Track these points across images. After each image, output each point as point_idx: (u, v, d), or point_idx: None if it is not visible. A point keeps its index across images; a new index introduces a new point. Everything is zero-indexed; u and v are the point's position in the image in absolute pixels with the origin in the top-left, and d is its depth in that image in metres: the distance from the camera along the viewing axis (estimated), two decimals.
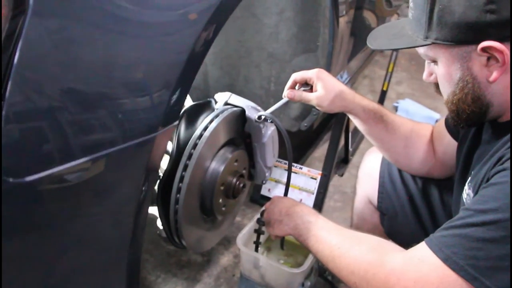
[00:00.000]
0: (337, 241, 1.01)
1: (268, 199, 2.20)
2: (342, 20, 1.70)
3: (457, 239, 0.82)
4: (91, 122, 0.68)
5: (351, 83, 2.60)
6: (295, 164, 2.19)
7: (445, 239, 0.84)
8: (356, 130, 2.85)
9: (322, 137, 2.88)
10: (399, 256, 0.90)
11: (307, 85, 1.29)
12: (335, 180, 2.49)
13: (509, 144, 0.86)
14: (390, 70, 3.10)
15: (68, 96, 0.65)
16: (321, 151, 2.77)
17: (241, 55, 1.78)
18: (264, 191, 2.25)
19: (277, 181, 2.24)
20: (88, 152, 0.70)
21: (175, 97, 0.77)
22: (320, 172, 2.18)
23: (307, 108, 1.85)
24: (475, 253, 0.80)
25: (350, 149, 2.65)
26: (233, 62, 1.81)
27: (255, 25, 1.68)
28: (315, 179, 2.19)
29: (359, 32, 2.18)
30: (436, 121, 3.24)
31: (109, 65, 0.70)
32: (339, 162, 2.62)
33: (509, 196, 0.78)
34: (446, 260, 0.82)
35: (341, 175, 2.57)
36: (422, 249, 0.87)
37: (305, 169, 2.17)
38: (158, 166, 0.88)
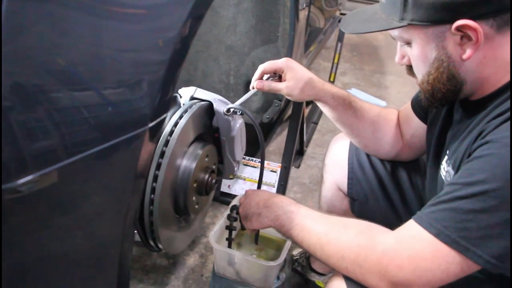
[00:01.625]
0: (323, 228, 1.00)
1: (228, 195, 2.20)
2: (302, 12, 1.70)
3: (447, 213, 0.84)
4: (76, 117, 0.62)
5: None
6: (253, 159, 2.18)
7: (435, 214, 0.85)
8: (308, 121, 2.91)
9: (275, 130, 2.89)
10: (390, 236, 0.90)
11: (275, 75, 1.27)
12: (292, 172, 2.49)
13: (488, 119, 0.89)
14: (335, 61, 3.16)
15: (53, 90, 0.59)
16: (275, 144, 2.77)
17: (199, 49, 1.74)
18: (224, 188, 2.22)
19: (237, 177, 2.21)
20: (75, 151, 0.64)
21: (164, 85, 0.72)
22: (280, 164, 2.18)
23: (269, 100, 1.84)
24: (465, 225, 0.81)
25: (304, 140, 2.68)
26: (191, 57, 1.76)
27: (212, 17, 1.65)
28: (275, 172, 2.19)
29: (312, 26, 2.20)
30: None
31: (95, 54, 0.65)
32: (295, 153, 2.63)
33: (495, 167, 0.80)
34: (438, 235, 0.83)
35: (298, 167, 2.59)
36: (412, 227, 0.88)
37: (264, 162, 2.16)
38: (147, 171, 0.82)
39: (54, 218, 0.71)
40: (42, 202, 0.67)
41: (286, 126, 2.24)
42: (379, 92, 3.65)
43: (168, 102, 0.77)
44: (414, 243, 0.86)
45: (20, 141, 0.59)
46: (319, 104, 1.33)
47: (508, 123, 0.83)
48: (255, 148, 2.60)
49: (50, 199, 0.68)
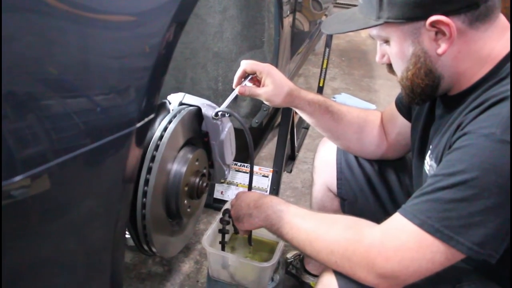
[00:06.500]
0: (312, 225, 1.02)
1: (221, 202, 2.22)
2: (286, 18, 1.74)
3: (430, 204, 0.86)
4: (67, 120, 0.64)
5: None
6: (245, 164, 2.21)
7: (418, 206, 0.88)
8: (298, 126, 2.95)
9: (266, 136, 2.92)
10: (376, 230, 0.93)
11: (254, 75, 1.31)
12: (284, 177, 2.52)
13: (466, 111, 0.92)
14: (324, 66, 3.19)
15: (41, 91, 0.61)
16: (266, 150, 2.80)
17: (187, 56, 1.77)
18: (216, 194, 2.24)
19: (229, 183, 2.24)
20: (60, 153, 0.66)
21: (150, 87, 0.75)
22: (271, 169, 2.21)
23: (257, 105, 1.87)
24: (447, 214, 0.84)
25: (296, 145, 2.70)
26: (179, 64, 1.79)
27: (199, 25, 1.68)
28: (267, 176, 2.21)
29: (298, 32, 2.24)
30: None
31: (83, 58, 0.67)
32: (287, 158, 2.66)
33: (473, 157, 0.83)
34: (422, 225, 0.85)
35: (290, 172, 2.61)
36: (397, 219, 0.90)
37: (256, 167, 2.19)
38: (135, 175, 0.84)
39: (45, 223, 0.72)
40: (34, 207, 0.68)
41: (277, 132, 2.27)
42: (368, 96, 3.70)
43: (155, 104, 0.79)
44: (399, 235, 0.88)
45: (10, 143, 0.61)
46: (297, 110, 1.38)
47: (484, 114, 0.86)
48: (246, 153, 2.64)
49: (41, 204, 0.69)
